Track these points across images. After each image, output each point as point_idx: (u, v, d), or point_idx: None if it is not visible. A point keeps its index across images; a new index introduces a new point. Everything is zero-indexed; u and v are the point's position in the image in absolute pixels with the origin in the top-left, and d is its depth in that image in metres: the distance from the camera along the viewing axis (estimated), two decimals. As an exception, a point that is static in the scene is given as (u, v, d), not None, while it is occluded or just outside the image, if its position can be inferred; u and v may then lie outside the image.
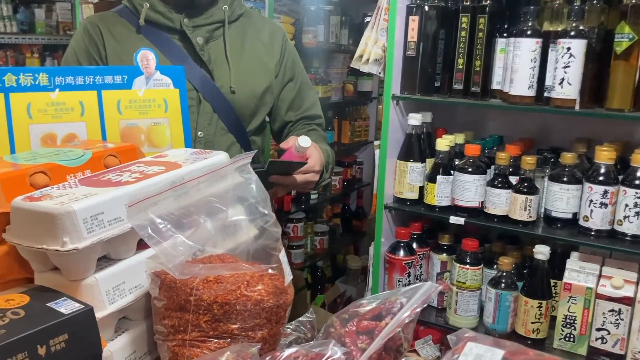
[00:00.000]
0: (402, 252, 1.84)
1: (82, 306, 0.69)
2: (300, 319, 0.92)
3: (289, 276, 0.83)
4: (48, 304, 0.69)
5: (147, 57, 1.19)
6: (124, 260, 0.80)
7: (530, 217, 1.65)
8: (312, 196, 3.12)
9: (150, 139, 1.20)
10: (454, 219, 1.72)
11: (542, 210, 1.69)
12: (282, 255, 0.83)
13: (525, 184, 1.64)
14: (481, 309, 1.78)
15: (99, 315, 0.72)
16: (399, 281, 1.84)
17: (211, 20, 1.44)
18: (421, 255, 1.90)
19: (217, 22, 1.44)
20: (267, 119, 1.59)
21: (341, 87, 3.40)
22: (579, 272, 1.58)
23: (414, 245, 1.88)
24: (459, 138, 1.83)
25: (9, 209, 0.78)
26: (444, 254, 1.88)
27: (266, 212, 0.87)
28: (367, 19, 3.42)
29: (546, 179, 1.67)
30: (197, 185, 0.83)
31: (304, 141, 1.29)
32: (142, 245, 0.81)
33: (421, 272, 1.91)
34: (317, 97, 1.65)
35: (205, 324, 0.74)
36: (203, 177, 0.84)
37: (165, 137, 1.21)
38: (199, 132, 1.42)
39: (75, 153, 0.94)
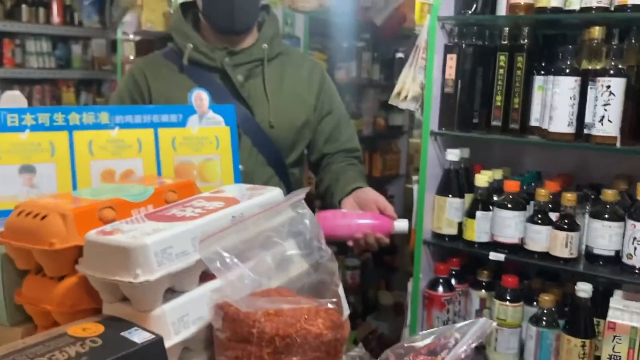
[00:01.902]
0: (441, 288, 1.84)
1: (153, 336, 0.73)
2: (350, 353, 0.93)
3: (346, 311, 0.85)
4: (122, 333, 0.72)
5: (201, 97, 1.24)
6: (188, 293, 0.83)
7: (571, 254, 1.64)
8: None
9: (202, 175, 1.24)
10: (494, 255, 1.73)
11: (584, 247, 1.68)
12: (341, 290, 0.85)
13: (566, 221, 1.64)
14: (521, 347, 1.76)
15: (166, 345, 0.75)
16: (437, 317, 1.84)
17: (251, 58, 1.49)
18: (460, 292, 1.90)
19: (257, 60, 1.50)
20: (305, 151, 1.62)
21: (372, 121, 3.45)
22: (623, 310, 1.56)
23: (453, 281, 1.88)
24: (497, 174, 1.84)
25: (81, 241, 0.82)
26: (483, 291, 1.87)
27: (322, 246, 0.90)
28: (399, 55, 3.50)
29: (587, 215, 1.66)
30: (256, 221, 0.86)
31: (406, 226, 1.31)
32: (202, 277, 0.84)
33: (460, 308, 1.91)
34: (355, 130, 1.69)
35: (268, 356, 0.76)
36: (261, 213, 0.88)
37: (216, 173, 1.25)
38: (240, 166, 1.46)
39: (138, 189, 0.98)
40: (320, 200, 1.69)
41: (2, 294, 0.90)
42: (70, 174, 1.12)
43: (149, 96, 1.50)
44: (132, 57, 2.73)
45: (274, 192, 1.01)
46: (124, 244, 0.76)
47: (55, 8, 4.57)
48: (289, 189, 1.59)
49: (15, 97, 1.12)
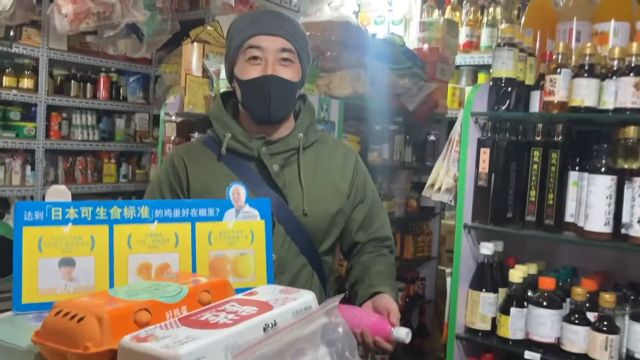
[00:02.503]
0: (474, 385, 1.78)
1: None
2: None
3: None
4: None
5: (238, 191, 1.27)
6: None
7: (611, 357, 1.58)
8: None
9: (235, 269, 1.25)
10: (529, 355, 1.67)
11: (624, 350, 1.62)
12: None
13: (605, 322, 1.59)
14: None
15: None
16: (470, 416, 1.77)
17: (287, 147, 1.52)
18: (493, 389, 1.84)
19: (293, 149, 1.53)
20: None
21: (404, 203, 3.45)
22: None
23: (486, 379, 1.82)
24: (532, 268, 1.81)
25: (115, 345, 0.83)
26: (518, 390, 1.80)
27: (356, 357, 0.89)
28: (431, 138, 3.55)
29: (627, 317, 1.61)
30: (290, 332, 0.86)
31: (403, 334, 1.31)
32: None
33: (493, 407, 1.84)
34: (387, 218, 1.68)
35: None
36: (295, 324, 0.88)
37: (250, 268, 1.26)
38: (273, 255, 1.47)
39: (173, 289, 1.00)
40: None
41: (35, 394, 0.91)
42: (108, 268, 1.15)
43: (187, 183, 1.54)
44: (173, 137, 2.82)
45: (308, 297, 1.01)
46: (158, 353, 0.77)
47: (102, 84, 4.79)
48: (321, 277, 1.58)
49: (60, 191, 1.16)
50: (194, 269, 1.21)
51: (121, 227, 1.17)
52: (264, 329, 0.90)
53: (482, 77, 3.79)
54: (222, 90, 2.17)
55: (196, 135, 2.70)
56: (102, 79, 4.75)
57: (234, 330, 0.85)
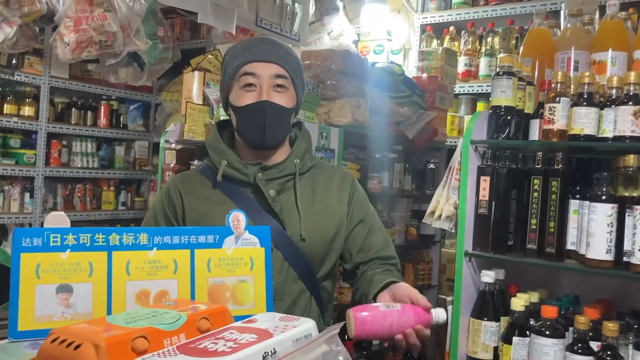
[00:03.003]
0: (477, 417, 1.75)
1: None
2: None
3: None
4: None
5: (238, 218, 1.26)
6: None
7: (615, 388, 1.56)
8: (375, 342, 3.05)
9: (235, 297, 1.24)
10: (532, 385, 1.65)
11: (629, 381, 1.60)
12: None
13: (609, 352, 1.57)
14: None
15: None
16: None
17: (283, 173, 1.53)
18: (496, 421, 1.80)
19: (289, 174, 1.53)
20: (339, 261, 1.61)
21: (404, 230, 3.44)
22: None
23: (489, 410, 1.79)
24: (534, 297, 1.79)
25: (111, 374, 0.81)
26: (522, 422, 1.77)
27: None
28: (430, 166, 3.56)
29: (631, 347, 1.59)
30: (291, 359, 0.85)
31: (442, 314, 1.29)
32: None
33: None
34: (390, 239, 1.66)
35: None
36: (296, 351, 0.86)
37: (249, 295, 1.25)
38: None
39: (171, 316, 0.98)
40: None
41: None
42: (106, 294, 1.14)
43: (182, 212, 1.54)
44: (172, 165, 2.82)
45: (308, 325, 0.99)
46: (156, 382, 0.75)
47: (102, 111, 4.82)
48: (319, 304, 1.57)
49: (58, 218, 1.16)
50: (192, 296, 1.20)
51: (120, 254, 1.16)
52: (264, 357, 0.88)
53: (480, 106, 3.82)
54: (217, 121, 2.19)
55: (196, 162, 2.71)
56: (102, 106, 4.79)
57: (233, 358, 0.84)
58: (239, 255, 1.26)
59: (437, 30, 4.10)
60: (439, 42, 4.07)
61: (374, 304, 1.33)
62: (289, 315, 1.06)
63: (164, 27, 4.30)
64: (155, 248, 1.19)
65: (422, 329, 1.28)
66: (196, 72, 2.95)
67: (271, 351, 0.90)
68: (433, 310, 1.31)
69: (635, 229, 1.53)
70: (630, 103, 1.59)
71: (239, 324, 1.01)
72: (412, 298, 1.32)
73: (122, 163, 5.01)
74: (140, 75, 4.35)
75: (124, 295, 1.15)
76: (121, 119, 4.97)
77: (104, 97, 4.79)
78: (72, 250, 1.13)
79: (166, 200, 1.57)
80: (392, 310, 1.30)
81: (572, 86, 1.78)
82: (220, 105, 2.60)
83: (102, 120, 4.80)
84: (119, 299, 1.14)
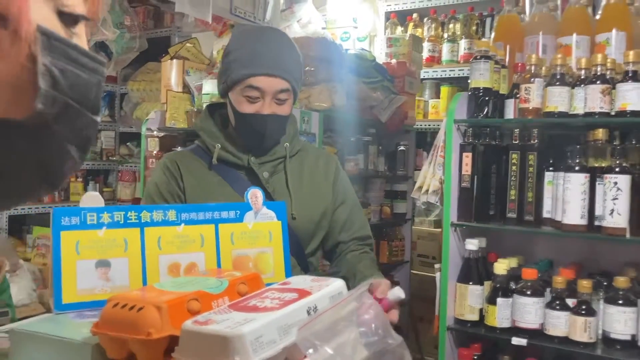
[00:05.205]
0: (465, 374, 1.90)
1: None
2: None
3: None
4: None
5: (256, 195, 1.36)
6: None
7: (590, 338, 1.73)
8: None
9: (257, 266, 1.33)
10: (516, 340, 1.81)
11: (600, 332, 1.78)
12: (411, 374, 0.94)
13: (584, 307, 1.74)
14: None
15: None
16: (463, 402, 1.89)
17: (275, 156, 1.61)
18: (482, 377, 1.96)
19: (280, 157, 1.62)
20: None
21: (379, 210, 3.58)
22: (644, 393, 1.63)
23: (476, 367, 1.95)
24: (513, 262, 1.96)
25: (173, 331, 0.91)
26: (506, 376, 1.94)
27: (391, 334, 0.99)
28: (400, 148, 3.71)
29: (602, 301, 1.77)
30: (335, 311, 0.96)
31: (400, 291, 1.39)
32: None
33: (483, 393, 1.96)
34: (366, 218, 1.77)
35: None
36: (338, 304, 0.98)
37: (270, 265, 1.35)
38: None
39: (213, 282, 1.08)
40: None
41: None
42: (141, 268, 1.22)
43: (183, 187, 1.59)
44: (155, 152, 2.87)
45: (339, 283, 1.11)
46: (223, 333, 0.85)
47: (68, 102, 4.76)
48: (307, 276, 1.67)
49: (94, 198, 1.23)
50: (219, 267, 1.29)
51: (151, 230, 1.24)
52: (307, 312, 0.99)
53: (444, 90, 3.98)
54: (205, 104, 2.24)
55: (179, 149, 2.76)
56: (68, 97, 4.73)
57: (283, 312, 0.94)
58: (259, 229, 1.35)
59: (401, 17, 4.22)
60: (403, 29, 4.20)
61: None
62: (319, 277, 1.17)
63: (130, 16, 4.28)
64: (183, 224, 1.27)
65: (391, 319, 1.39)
66: (174, 60, 2.99)
67: (313, 307, 1.00)
68: (390, 293, 1.40)
69: (605, 195, 1.70)
70: (598, 82, 1.75)
71: (276, 285, 1.11)
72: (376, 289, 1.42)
73: (89, 154, 4.96)
74: (107, 64, 4.32)
75: (157, 268, 1.23)
76: (87, 110, 4.92)
77: (69, 88, 4.73)
78: (107, 227, 1.20)
79: (168, 174, 1.60)
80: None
81: (544, 68, 1.93)
82: (209, 91, 2.66)
83: (68, 111, 4.75)
84: (153, 272, 1.22)
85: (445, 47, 4.00)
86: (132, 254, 1.21)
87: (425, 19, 4.10)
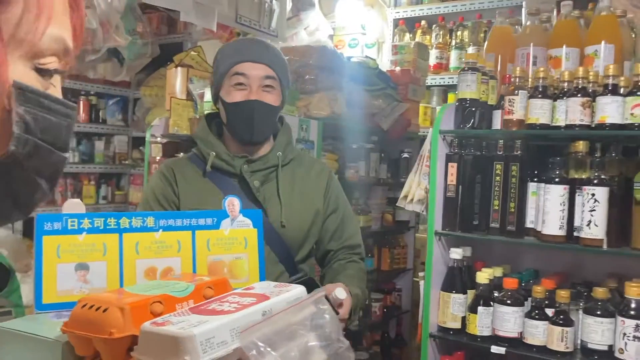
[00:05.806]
0: (447, 381, 1.94)
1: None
2: None
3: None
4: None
5: (233, 203, 1.42)
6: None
7: (567, 347, 1.76)
8: (353, 323, 3.22)
9: (231, 272, 1.39)
10: (495, 349, 1.84)
11: (579, 342, 1.80)
12: (356, 377, 0.99)
13: (561, 317, 1.76)
14: None
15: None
16: (444, 409, 1.93)
17: (267, 165, 1.66)
18: (464, 384, 1.99)
19: (272, 166, 1.67)
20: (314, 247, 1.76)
21: (380, 217, 3.62)
22: (618, 404, 1.65)
23: (458, 374, 1.98)
24: (497, 271, 1.99)
25: (135, 331, 0.97)
26: (487, 383, 1.96)
27: (340, 338, 1.04)
28: (404, 155, 3.74)
29: (581, 312, 1.79)
30: (285, 315, 1.01)
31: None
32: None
33: (465, 400, 1.99)
34: (358, 227, 1.79)
35: None
36: (289, 308, 1.03)
37: (244, 270, 1.41)
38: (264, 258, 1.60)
39: (181, 285, 1.14)
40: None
41: (64, 378, 1.03)
42: (119, 271, 1.29)
43: (177, 193, 1.66)
44: (158, 158, 2.94)
45: (298, 289, 1.16)
46: (175, 334, 0.91)
47: (81, 107, 4.86)
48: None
49: (75, 205, 1.30)
50: (194, 272, 1.35)
51: (130, 236, 1.30)
52: (263, 315, 1.04)
53: (451, 97, 4.00)
54: (206, 112, 2.31)
55: (181, 155, 2.84)
56: (81, 102, 4.84)
57: (238, 315, 1.00)
58: (235, 236, 1.41)
59: (410, 24, 4.26)
60: (411, 35, 4.24)
61: None
62: (281, 283, 1.22)
63: (142, 22, 4.38)
64: (160, 230, 1.33)
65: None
66: (179, 68, 3.07)
67: (268, 310, 1.06)
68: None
69: (583, 206, 1.73)
70: (579, 95, 1.78)
71: (239, 290, 1.17)
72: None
73: (102, 158, 5.07)
74: (120, 70, 4.42)
75: (134, 271, 1.30)
76: (100, 114, 5.02)
77: (83, 93, 4.83)
78: (87, 232, 1.27)
79: (164, 181, 1.67)
80: None
81: (529, 80, 1.96)
82: (210, 99, 2.73)
83: (82, 115, 4.85)
84: (130, 275, 1.29)
85: (453, 54, 4.02)
86: (110, 258, 1.28)
87: (433, 26, 4.13)
